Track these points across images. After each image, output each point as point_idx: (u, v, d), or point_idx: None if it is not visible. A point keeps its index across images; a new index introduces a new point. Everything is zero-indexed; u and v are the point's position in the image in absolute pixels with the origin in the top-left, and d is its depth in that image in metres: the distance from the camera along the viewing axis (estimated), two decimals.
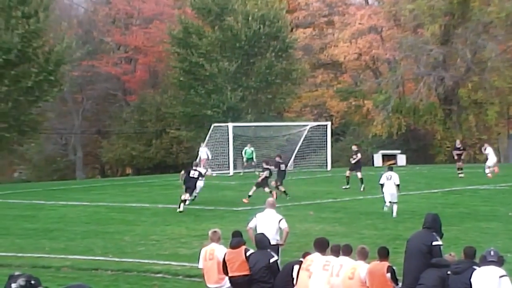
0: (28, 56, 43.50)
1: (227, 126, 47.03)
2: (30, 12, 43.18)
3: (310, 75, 64.87)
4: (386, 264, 11.88)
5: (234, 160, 46.48)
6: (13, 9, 42.77)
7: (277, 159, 32.09)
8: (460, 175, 38.47)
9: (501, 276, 10.97)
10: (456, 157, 39.54)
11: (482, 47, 58.16)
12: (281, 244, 15.70)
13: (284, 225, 15.57)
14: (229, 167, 46.21)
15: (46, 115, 54.40)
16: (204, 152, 43.46)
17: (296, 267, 12.51)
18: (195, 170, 28.76)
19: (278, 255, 14.44)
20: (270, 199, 16.23)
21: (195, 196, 30.08)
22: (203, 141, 46.17)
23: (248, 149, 44.26)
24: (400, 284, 12.06)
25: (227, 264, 13.09)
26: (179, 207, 27.76)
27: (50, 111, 58.97)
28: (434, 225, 12.44)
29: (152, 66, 67.89)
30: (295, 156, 50.12)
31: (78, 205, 31.53)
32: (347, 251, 12.31)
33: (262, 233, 14.16)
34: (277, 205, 16.24)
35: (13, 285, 9.72)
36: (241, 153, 45.11)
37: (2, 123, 43.38)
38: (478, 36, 57.89)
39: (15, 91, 43.08)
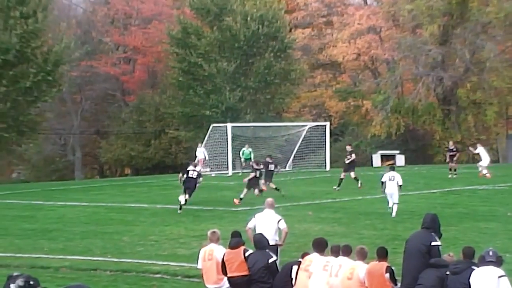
0: (26, 56, 43.48)
1: (226, 126, 47.03)
2: (28, 12, 43.16)
3: (309, 75, 64.93)
4: (385, 264, 11.88)
5: (233, 161, 46.48)
6: (11, 9, 42.75)
7: (267, 159, 32.75)
8: (450, 176, 38.62)
9: (500, 276, 10.96)
10: (448, 159, 39.64)
11: (481, 47, 58.21)
12: (280, 245, 15.69)
13: (283, 225, 15.56)
14: (228, 168, 46.22)
15: (45, 115, 54.43)
16: (201, 152, 43.49)
17: (295, 268, 12.51)
18: (194, 170, 28.70)
19: (277, 255, 14.43)
20: (269, 200, 16.22)
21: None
22: (201, 142, 46.21)
23: (246, 149, 44.26)
24: (399, 284, 12.05)
25: (226, 265, 13.08)
26: (180, 209, 27.72)
27: (49, 112, 59.01)
28: (433, 225, 12.44)
29: (151, 66, 67.89)
30: (294, 157, 50.16)
31: (77, 205, 31.52)
32: (346, 251, 12.30)
33: (261, 234, 14.15)
34: (276, 206, 16.22)
35: (12, 285, 9.70)
36: (239, 154, 45.12)
37: (0, 123, 43.36)
38: (477, 36, 57.94)
39: (13, 92, 43.06)
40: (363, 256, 12.08)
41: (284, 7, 58.51)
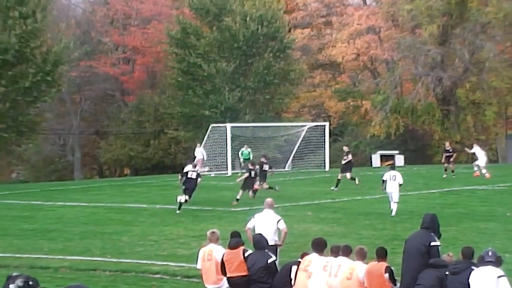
0: (25, 56, 43.45)
1: (225, 126, 47.04)
2: (27, 13, 43.13)
3: (308, 76, 64.92)
4: (384, 264, 11.88)
5: (232, 161, 46.48)
6: (10, 10, 42.72)
7: (262, 159, 33.00)
8: (444, 176, 38.64)
9: (499, 277, 10.96)
10: (444, 159, 39.63)
11: (480, 47, 58.22)
12: (279, 245, 15.69)
13: (282, 225, 15.56)
14: (227, 168, 46.22)
15: (44, 115, 54.43)
16: (199, 152, 43.51)
17: (294, 268, 12.51)
18: (193, 171, 28.70)
19: (276, 255, 14.43)
20: (269, 200, 16.22)
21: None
22: (200, 142, 46.20)
23: (245, 150, 44.27)
24: (398, 284, 12.05)
25: (226, 265, 13.07)
26: (179, 209, 27.72)
27: (48, 112, 58.99)
28: (432, 225, 12.44)
29: (150, 67, 67.88)
30: (293, 157, 50.16)
31: (76, 205, 31.52)
32: (346, 251, 12.29)
33: (260, 234, 14.14)
34: (275, 206, 16.22)
35: (11, 286, 9.69)
36: (238, 154, 45.13)
37: (0, 123, 43.34)
38: (476, 36, 57.95)
39: (13, 92, 43.04)
40: (362, 256, 12.08)
41: (283, 7, 58.48)
